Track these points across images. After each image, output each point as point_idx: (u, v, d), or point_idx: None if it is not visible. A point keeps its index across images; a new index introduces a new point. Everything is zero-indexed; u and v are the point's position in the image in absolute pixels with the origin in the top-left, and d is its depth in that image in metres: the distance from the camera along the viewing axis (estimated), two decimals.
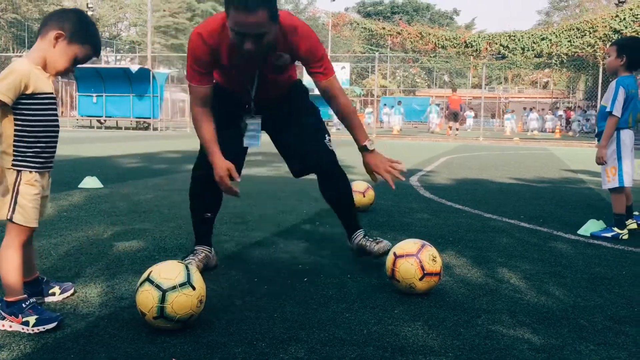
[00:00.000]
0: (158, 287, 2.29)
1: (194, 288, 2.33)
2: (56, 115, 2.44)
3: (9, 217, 2.32)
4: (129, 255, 3.52)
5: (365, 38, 32.94)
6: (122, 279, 3.04)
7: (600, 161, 4.53)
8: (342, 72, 44.05)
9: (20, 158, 2.32)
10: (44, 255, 3.44)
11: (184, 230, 4.28)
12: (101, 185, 6.39)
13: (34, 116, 2.32)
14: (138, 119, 25.84)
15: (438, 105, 40.02)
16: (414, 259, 2.87)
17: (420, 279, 2.85)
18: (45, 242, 3.75)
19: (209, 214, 3.33)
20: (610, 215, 4.98)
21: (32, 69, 2.30)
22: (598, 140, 4.67)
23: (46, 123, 2.37)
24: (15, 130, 2.31)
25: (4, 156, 2.32)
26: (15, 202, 2.31)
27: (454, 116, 26.12)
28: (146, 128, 25.86)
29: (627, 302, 2.93)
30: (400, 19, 47.79)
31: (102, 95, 25.51)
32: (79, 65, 2.49)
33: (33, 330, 2.28)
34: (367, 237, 3.40)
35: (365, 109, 44.59)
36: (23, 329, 2.28)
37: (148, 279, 2.33)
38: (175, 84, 50.33)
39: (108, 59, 49.31)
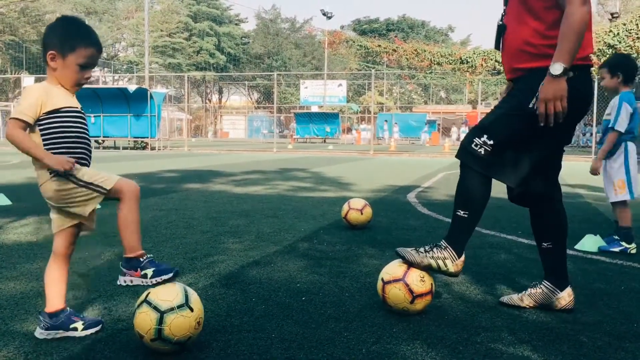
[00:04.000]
0: (156, 308, 2.27)
1: (192, 310, 2.32)
2: (83, 128, 2.47)
3: (105, 191, 2.44)
4: None
5: (361, 55, 33.15)
6: (119, 300, 3.02)
7: (595, 172, 4.57)
8: (339, 90, 44.40)
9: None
10: (40, 277, 3.42)
11: (182, 250, 4.27)
12: (99, 206, 6.35)
13: (59, 129, 2.38)
14: (136, 139, 25.88)
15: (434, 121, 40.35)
16: (401, 283, 2.82)
17: (412, 302, 2.82)
18: (42, 264, 3.73)
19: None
20: (607, 229, 4.99)
21: (48, 87, 2.39)
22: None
23: (73, 135, 2.42)
24: (44, 145, 2.37)
25: (41, 173, 2.39)
26: (92, 184, 2.41)
27: None
28: (144, 147, 25.89)
29: (626, 318, 2.92)
30: (395, 36, 48.11)
31: (99, 116, 25.55)
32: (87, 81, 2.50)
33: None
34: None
35: (361, 125, 44.85)
36: (143, 281, 2.43)
37: (146, 301, 2.31)
38: (172, 104, 50.53)
39: (106, 79, 49.47)
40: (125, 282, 2.46)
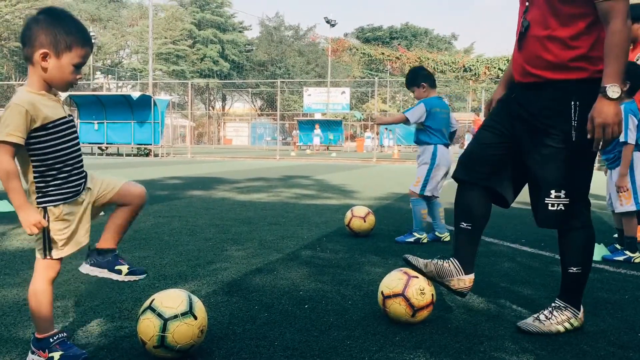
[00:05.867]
0: (160, 315, 2.27)
1: (195, 317, 2.31)
2: (75, 138, 2.26)
3: (47, 257, 2.23)
4: (129, 283, 3.49)
5: (364, 63, 33.22)
6: (122, 307, 3.02)
7: (623, 190, 4.51)
8: (342, 97, 44.48)
9: (41, 194, 2.19)
10: None
11: (184, 257, 4.27)
12: (102, 213, 6.36)
13: (50, 147, 2.15)
14: (139, 146, 25.92)
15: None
16: (401, 298, 2.81)
17: (413, 316, 2.82)
18: None
19: (466, 225, 2.92)
20: (610, 238, 4.97)
21: (34, 98, 2.12)
22: (607, 165, 4.69)
23: (65, 151, 2.20)
24: (34, 167, 2.17)
25: (30, 194, 2.21)
26: (49, 241, 2.22)
27: None
28: (147, 154, 25.93)
29: (629, 327, 2.91)
30: (399, 44, 48.25)
31: (103, 122, 25.61)
32: (77, 92, 2.37)
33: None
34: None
35: (365, 132, 44.98)
36: None
37: (150, 307, 2.31)
38: (176, 110, 50.62)
39: (109, 86, 49.65)
40: None
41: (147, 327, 2.27)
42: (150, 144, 25.34)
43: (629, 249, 4.52)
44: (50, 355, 2.23)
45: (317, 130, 39.73)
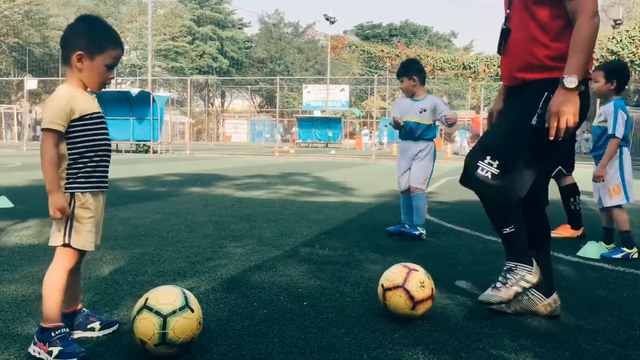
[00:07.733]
0: (158, 313, 2.26)
1: (192, 310, 2.32)
2: (106, 134, 2.48)
3: (66, 242, 2.33)
4: (128, 280, 3.50)
5: (364, 60, 33.23)
6: (120, 303, 3.02)
7: (599, 180, 4.57)
8: (341, 94, 44.48)
9: (71, 180, 2.35)
10: (42, 280, 3.42)
11: (183, 254, 4.27)
12: None
13: (84, 137, 2.36)
14: (138, 142, 25.90)
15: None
16: (400, 290, 2.82)
17: (413, 308, 2.82)
18: (44, 266, 3.73)
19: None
20: (609, 237, 4.96)
21: (74, 92, 2.36)
22: (596, 161, 4.74)
23: (96, 142, 2.40)
24: (69, 154, 2.35)
25: (60, 180, 2.34)
26: (71, 227, 2.34)
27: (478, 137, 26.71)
28: (146, 151, 25.90)
29: (628, 325, 2.91)
30: (398, 42, 48.20)
31: None
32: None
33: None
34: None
35: (362, 130, 45.01)
36: (47, 358, 2.25)
37: (146, 306, 2.29)
38: (175, 107, 50.56)
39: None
40: (34, 351, 2.30)
41: (146, 326, 2.25)
42: (149, 141, 25.31)
43: (625, 244, 4.52)
44: (50, 349, 2.25)
45: (294, 127, 39.30)
